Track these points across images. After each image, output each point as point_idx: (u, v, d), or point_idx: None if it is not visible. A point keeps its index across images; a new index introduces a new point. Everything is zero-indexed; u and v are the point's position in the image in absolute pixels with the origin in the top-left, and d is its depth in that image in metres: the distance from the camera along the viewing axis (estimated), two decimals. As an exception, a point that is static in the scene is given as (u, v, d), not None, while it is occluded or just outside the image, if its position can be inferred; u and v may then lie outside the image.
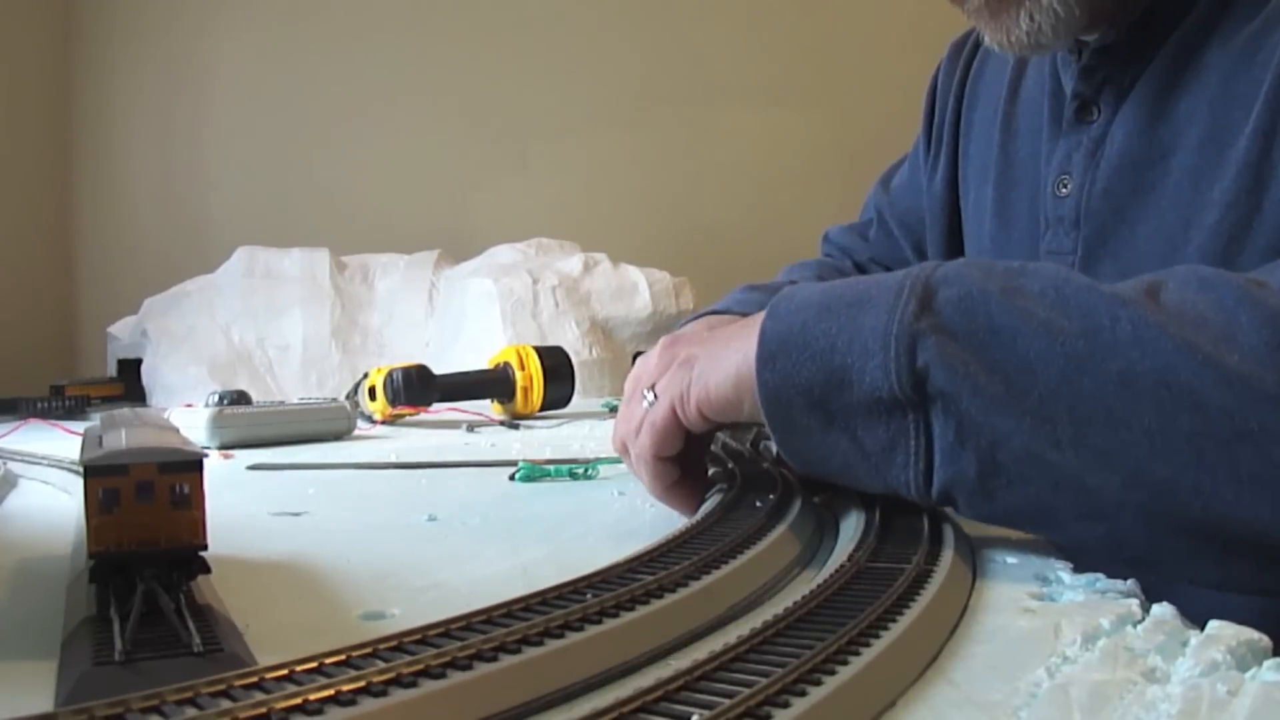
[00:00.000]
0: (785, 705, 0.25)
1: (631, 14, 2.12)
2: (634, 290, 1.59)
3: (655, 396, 0.52)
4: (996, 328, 0.40)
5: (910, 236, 0.87)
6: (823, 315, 0.44)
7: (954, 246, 0.80)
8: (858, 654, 0.29)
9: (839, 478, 0.47)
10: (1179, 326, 0.39)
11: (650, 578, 0.35)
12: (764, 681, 0.26)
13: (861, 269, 0.91)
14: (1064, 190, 0.64)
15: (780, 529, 0.44)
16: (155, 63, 1.98)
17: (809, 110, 2.15)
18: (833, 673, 0.27)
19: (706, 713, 0.24)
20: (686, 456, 0.53)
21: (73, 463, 0.73)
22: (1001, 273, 0.42)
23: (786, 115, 2.15)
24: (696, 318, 0.75)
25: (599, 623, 0.31)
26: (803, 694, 0.26)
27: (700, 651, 0.29)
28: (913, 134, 0.88)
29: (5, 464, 0.77)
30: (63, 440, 0.98)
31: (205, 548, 0.34)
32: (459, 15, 2.06)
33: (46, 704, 0.29)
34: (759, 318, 0.47)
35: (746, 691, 0.25)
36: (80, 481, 0.38)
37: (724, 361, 0.48)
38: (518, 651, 0.28)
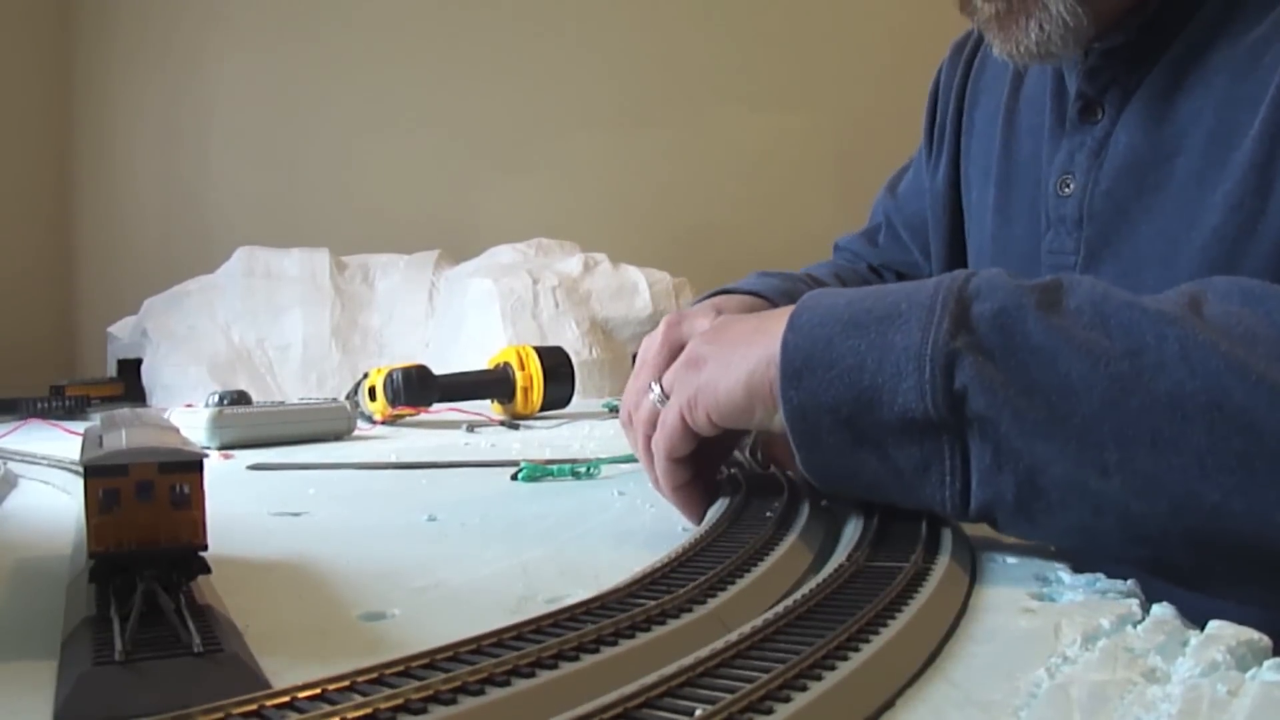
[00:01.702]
0: (787, 700, 0.25)
1: (631, 14, 2.12)
2: (634, 290, 1.59)
3: (663, 392, 0.51)
4: (1035, 347, 0.39)
5: (918, 240, 0.87)
6: (849, 331, 0.42)
7: (956, 246, 0.80)
8: (857, 650, 0.29)
9: (865, 494, 0.46)
10: (1229, 344, 0.37)
11: (653, 602, 0.34)
12: (765, 677, 0.26)
13: (876, 272, 0.91)
14: (1067, 190, 0.64)
15: (790, 539, 0.43)
16: (156, 63, 1.98)
17: (808, 110, 2.15)
18: (833, 668, 0.27)
19: (710, 707, 0.24)
20: (699, 457, 0.52)
21: (73, 463, 0.73)
22: (1036, 287, 0.41)
23: (785, 115, 2.15)
24: (708, 296, 0.73)
25: (595, 651, 0.29)
26: (804, 689, 0.26)
27: (702, 649, 0.29)
28: (911, 134, 0.87)
29: (5, 464, 0.77)
30: (63, 440, 0.98)
31: (205, 548, 0.34)
32: (459, 16, 2.06)
33: (46, 704, 0.29)
34: (775, 321, 0.45)
35: (748, 687, 0.25)
36: (80, 481, 0.38)
37: (734, 368, 0.46)
38: (506, 684, 0.26)
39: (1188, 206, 0.57)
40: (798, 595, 0.34)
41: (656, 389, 0.52)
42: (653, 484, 0.55)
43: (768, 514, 0.47)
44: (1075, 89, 0.64)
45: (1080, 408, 0.38)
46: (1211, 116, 0.56)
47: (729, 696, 0.25)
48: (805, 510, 0.48)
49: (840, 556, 0.41)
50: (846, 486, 0.46)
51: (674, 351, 0.54)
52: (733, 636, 0.29)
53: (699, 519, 0.52)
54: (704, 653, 0.28)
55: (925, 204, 0.84)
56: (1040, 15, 0.58)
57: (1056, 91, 0.67)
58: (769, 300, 0.70)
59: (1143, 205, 0.60)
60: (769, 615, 0.31)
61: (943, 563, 0.39)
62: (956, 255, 0.80)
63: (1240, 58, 0.56)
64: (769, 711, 0.24)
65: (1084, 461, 0.38)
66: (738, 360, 0.46)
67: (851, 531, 0.46)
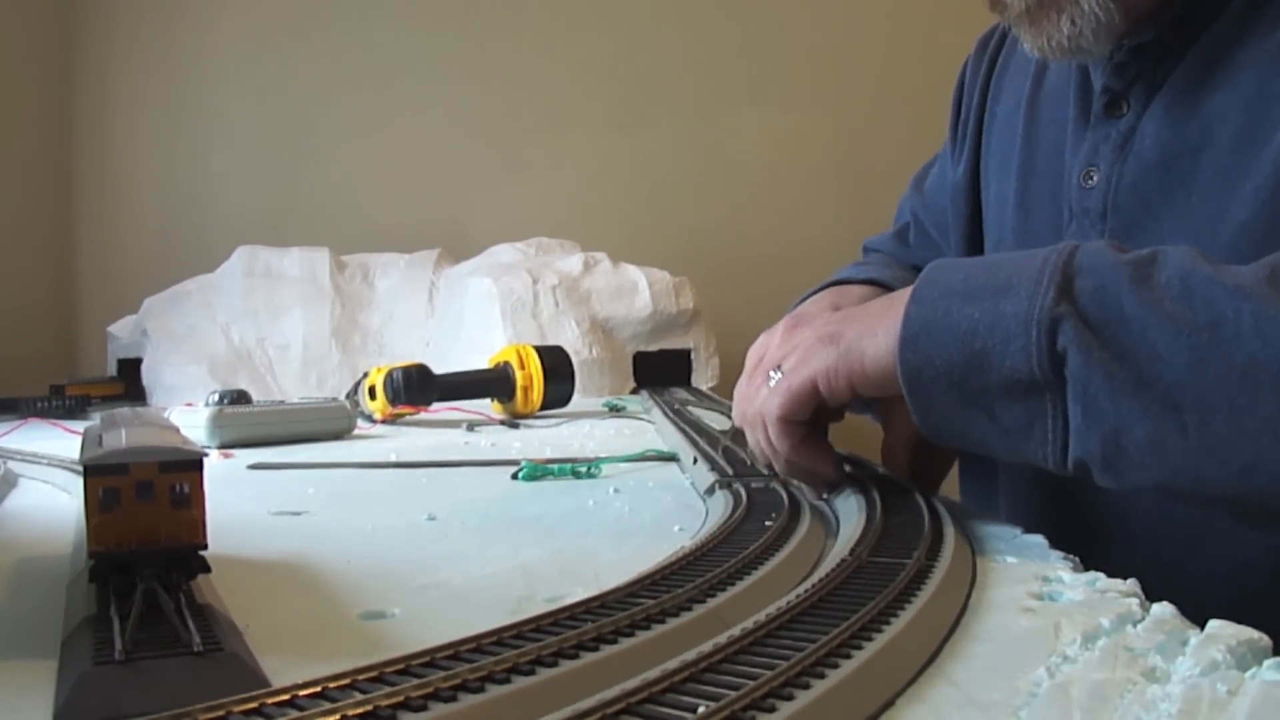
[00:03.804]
0: (789, 698, 0.25)
1: (631, 14, 2.12)
2: (634, 290, 1.59)
3: (782, 374, 0.54)
4: (1128, 318, 0.42)
5: (947, 236, 0.87)
6: (966, 301, 0.46)
7: (974, 238, 0.79)
8: (859, 648, 0.29)
9: (974, 448, 0.49)
10: None
11: (653, 601, 0.34)
12: (768, 674, 0.26)
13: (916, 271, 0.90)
14: (1090, 182, 0.64)
15: (791, 544, 0.44)
16: (156, 62, 1.98)
17: (809, 110, 2.15)
18: (836, 666, 0.27)
19: (713, 704, 0.24)
20: (810, 425, 0.55)
21: (73, 462, 0.73)
22: (1132, 260, 0.44)
23: (786, 115, 2.15)
24: (821, 289, 0.76)
25: (595, 649, 0.29)
26: (806, 686, 0.26)
27: (705, 645, 0.29)
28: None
29: (5, 464, 0.77)
30: (63, 440, 0.98)
31: (205, 547, 0.34)
32: (459, 15, 2.06)
33: (46, 704, 0.29)
34: (901, 297, 0.48)
35: (751, 684, 0.25)
36: (80, 481, 0.38)
37: (879, 337, 0.49)
38: (506, 682, 0.26)
39: (1214, 201, 0.57)
40: (800, 591, 0.34)
41: (776, 374, 0.54)
42: (781, 469, 0.56)
43: (767, 522, 0.48)
44: (1101, 83, 0.64)
45: (1164, 374, 0.41)
46: (1241, 113, 0.57)
47: (732, 694, 0.24)
48: (806, 519, 0.49)
49: (842, 551, 0.41)
50: (958, 443, 0.49)
51: None
52: (735, 632, 0.29)
53: (832, 472, 0.55)
54: (707, 648, 0.28)
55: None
56: (1071, 10, 0.58)
57: (1081, 85, 0.67)
58: (887, 287, 0.73)
59: (1167, 199, 0.60)
60: (771, 610, 0.31)
61: (944, 561, 0.39)
62: (974, 249, 0.80)
63: (1269, 55, 0.56)
64: (771, 709, 0.24)
65: (1165, 422, 0.41)
66: (882, 331, 0.49)
67: (853, 526, 0.46)
